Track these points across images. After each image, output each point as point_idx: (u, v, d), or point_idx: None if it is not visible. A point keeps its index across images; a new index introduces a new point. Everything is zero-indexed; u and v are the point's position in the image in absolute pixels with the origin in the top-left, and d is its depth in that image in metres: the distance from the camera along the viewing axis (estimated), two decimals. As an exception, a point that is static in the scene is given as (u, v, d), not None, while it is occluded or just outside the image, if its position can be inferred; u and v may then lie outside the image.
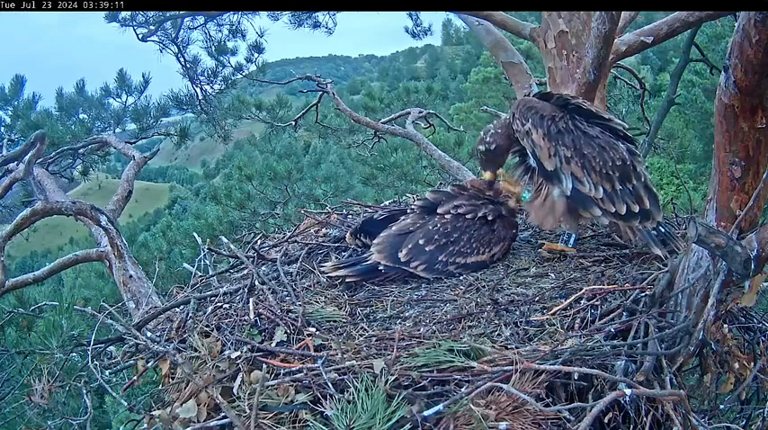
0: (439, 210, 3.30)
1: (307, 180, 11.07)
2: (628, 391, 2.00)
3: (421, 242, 3.15)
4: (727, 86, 2.03)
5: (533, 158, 3.13)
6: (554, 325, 2.45)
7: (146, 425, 2.30)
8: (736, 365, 2.49)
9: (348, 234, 3.51)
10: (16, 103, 7.39)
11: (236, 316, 2.72)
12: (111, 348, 3.16)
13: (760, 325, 2.77)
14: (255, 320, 2.63)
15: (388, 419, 1.93)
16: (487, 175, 3.40)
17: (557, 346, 2.23)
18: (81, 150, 7.27)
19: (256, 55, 9.29)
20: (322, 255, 3.55)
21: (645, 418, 2.13)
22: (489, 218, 3.27)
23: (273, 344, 2.46)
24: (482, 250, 3.20)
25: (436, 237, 3.17)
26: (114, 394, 2.91)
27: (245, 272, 3.39)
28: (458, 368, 2.16)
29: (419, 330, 2.50)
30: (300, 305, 2.71)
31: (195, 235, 4.80)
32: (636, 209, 2.97)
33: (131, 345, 2.92)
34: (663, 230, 3.03)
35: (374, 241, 3.23)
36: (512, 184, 3.40)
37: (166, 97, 8.19)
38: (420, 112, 8.45)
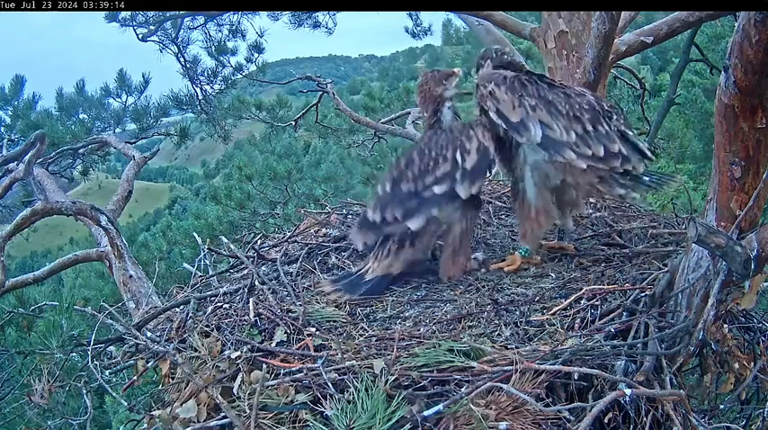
0: None
1: (307, 180, 11.08)
2: (628, 391, 2.00)
3: (387, 189, 2.95)
4: (727, 86, 2.03)
5: (498, 117, 2.94)
6: (554, 325, 2.45)
7: (146, 425, 2.30)
8: (736, 365, 2.49)
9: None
10: (16, 103, 7.42)
11: (236, 316, 2.72)
12: (111, 348, 3.16)
13: (760, 325, 2.77)
14: (255, 320, 2.63)
15: (388, 419, 1.93)
16: None
17: (557, 346, 2.23)
18: (81, 150, 7.30)
19: (256, 55, 9.34)
20: (322, 255, 3.55)
21: (645, 418, 2.13)
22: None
23: (273, 345, 2.46)
24: (448, 157, 2.89)
25: (393, 172, 2.97)
26: (114, 394, 2.91)
27: (245, 272, 3.38)
28: (458, 368, 2.16)
29: (419, 330, 2.50)
30: (300, 305, 2.70)
31: (195, 235, 4.81)
32: (615, 149, 2.81)
33: (131, 345, 2.92)
34: (654, 178, 2.92)
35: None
36: (510, 262, 3.16)
37: (166, 97, 8.23)
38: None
